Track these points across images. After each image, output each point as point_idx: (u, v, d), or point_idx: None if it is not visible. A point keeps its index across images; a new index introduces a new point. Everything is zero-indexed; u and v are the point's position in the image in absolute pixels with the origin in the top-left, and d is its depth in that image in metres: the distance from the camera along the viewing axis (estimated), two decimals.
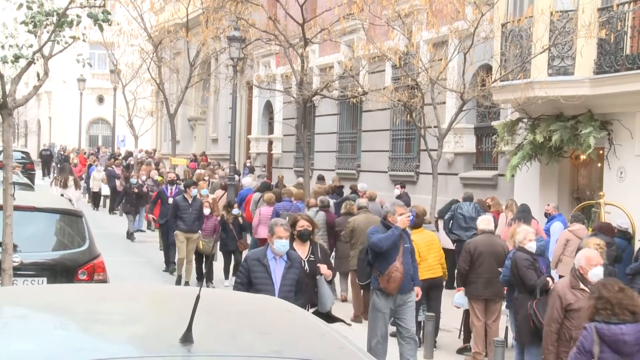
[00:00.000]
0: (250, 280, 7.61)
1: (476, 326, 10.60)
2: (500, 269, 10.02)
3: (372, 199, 15.74)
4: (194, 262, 15.28)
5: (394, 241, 9.17)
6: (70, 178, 19.68)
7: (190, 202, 15.09)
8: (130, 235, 21.26)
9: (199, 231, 15.09)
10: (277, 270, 7.70)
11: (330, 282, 8.92)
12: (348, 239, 13.15)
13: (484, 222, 10.97)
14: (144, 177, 22.52)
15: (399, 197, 16.85)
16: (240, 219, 15.12)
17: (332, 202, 15.94)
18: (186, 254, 15.03)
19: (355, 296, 13.03)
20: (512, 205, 14.11)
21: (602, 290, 5.87)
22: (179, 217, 15.01)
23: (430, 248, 10.96)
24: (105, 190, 28.36)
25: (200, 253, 15.12)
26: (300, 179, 21.89)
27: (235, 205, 15.41)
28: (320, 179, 21.01)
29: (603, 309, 5.76)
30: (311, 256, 8.46)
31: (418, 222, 11.20)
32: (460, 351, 11.04)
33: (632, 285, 11.82)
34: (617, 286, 5.86)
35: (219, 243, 15.25)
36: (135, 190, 21.38)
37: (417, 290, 9.65)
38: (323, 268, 8.47)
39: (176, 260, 15.55)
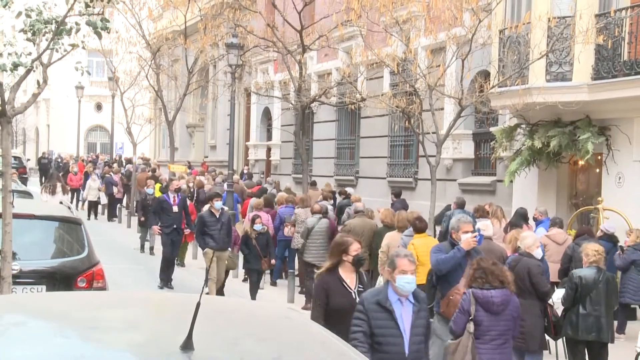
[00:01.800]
0: (371, 329, 6.08)
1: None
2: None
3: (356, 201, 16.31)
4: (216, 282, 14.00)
5: (456, 263, 8.22)
6: (58, 185, 20.69)
7: (217, 216, 13.88)
8: (150, 250, 20.18)
9: (229, 249, 14.19)
10: (405, 315, 6.16)
11: None
12: (251, 226, 14.01)
13: (482, 227, 10.96)
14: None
15: (392, 205, 16.83)
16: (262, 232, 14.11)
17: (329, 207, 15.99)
18: (218, 273, 13.89)
19: None
20: (497, 212, 14.12)
21: (480, 262, 7.53)
22: (206, 233, 13.80)
23: (429, 254, 10.93)
24: (103, 199, 28.22)
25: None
26: (288, 184, 21.99)
27: (259, 220, 14.31)
28: (313, 184, 21.03)
29: (479, 277, 7.36)
30: (360, 286, 6.96)
31: (422, 226, 11.48)
32: None
33: (625, 281, 11.90)
34: (492, 261, 7.58)
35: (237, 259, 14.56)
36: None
37: None
38: None
39: (206, 281, 14.44)
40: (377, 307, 6.11)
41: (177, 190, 17.42)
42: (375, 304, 6.12)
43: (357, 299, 6.63)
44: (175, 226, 16.21)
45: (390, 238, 12.24)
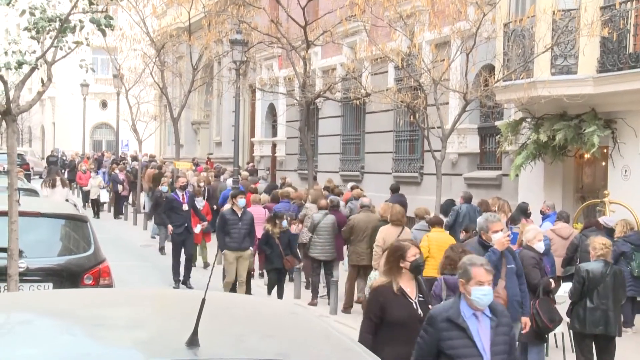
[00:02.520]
0: (439, 349, 5.43)
1: None
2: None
3: (356, 198, 16.21)
4: (245, 283, 13.72)
5: (493, 266, 7.48)
6: (58, 179, 21.15)
7: (239, 215, 13.42)
8: (160, 250, 19.72)
9: (250, 248, 13.70)
10: (482, 332, 5.49)
11: None
12: (347, 236, 13.60)
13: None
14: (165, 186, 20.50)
15: (391, 200, 16.80)
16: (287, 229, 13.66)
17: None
18: (238, 275, 13.43)
19: (348, 288, 13.46)
20: (504, 206, 14.17)
21: (448, 252, 7.99)
22: (226, 232, 13.31)
23: (442, 249, 10.99)
24: (104, 197, 28.02)
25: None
26: (289, 179, 22.01)
27: (286, 217, 13.83)
28: (313, 179, 21.03)
29: (449, 264, 7.73)
30: (420, 296, 6.45)
31: (438, 220, 11.79)
32: None
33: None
34: (461, 249, 7.82)
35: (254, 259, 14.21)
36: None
37: (525, 320, 8.11)
38: None
39: (222, 284, 13.69)
40: (449, 325, 5.42)
41: (184, 188, 16.83)
42: (446, 321, 5.43)
43: (419, 310, 6.28)
44: (186, 225, 15.66)
45: (386, 232, 12.24)
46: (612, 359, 9.21)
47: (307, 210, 15.29)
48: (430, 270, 10.86)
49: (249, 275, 14.04)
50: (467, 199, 15.04)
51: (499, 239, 7.79)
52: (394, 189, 18.28)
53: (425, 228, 12.27)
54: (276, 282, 13.52)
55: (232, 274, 13.29)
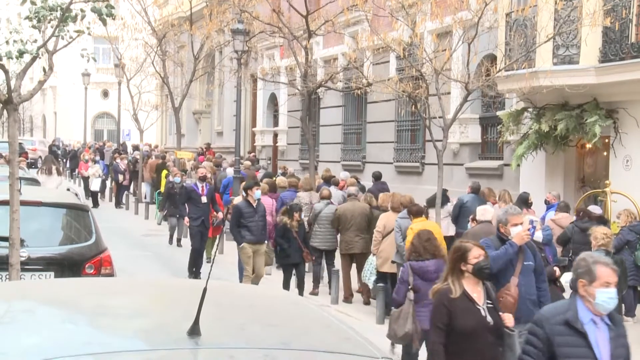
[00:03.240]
0: (550, 356, 4.82)
1: None
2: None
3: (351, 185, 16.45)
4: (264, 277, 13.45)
5: (508, 260, 7.33)
6: (53, 167, 22.10)
7: (255, 206, 13.02)
8: (178, 242, 19.23)
9: (266, 241, 13.40)
10: (601, 341, 4.83)
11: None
12: (335, 226, 13.79)
13: (480, 212, 11.10)
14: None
15: (370, 190, 16.87)
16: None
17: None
18: (256, 268, 13.04)
19: (345, 278, 13.56)
20: (504, 195, 14.24)
21: (414, 239, 8.46)
22: (243, 225, 12.83)
23: None
24: (95, 186, 27.76)
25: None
26: (291, 169, 22.04)
27: (297, 216, 13.24)
28: (314, 169, 21.05)
29: (414, 251, 8.26)
30: (488, 302, 6.01)
31: (418, 210, 11.72)
32: None
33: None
34: (426, 237, 8.35)
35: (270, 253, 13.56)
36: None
37: None
38: (508, 318, 6.10)
39: (241, 280, 13.27)
40: (566, 329, 4.79)
41: (203, 179, 16.25)
42: (563, 324, 4.79)
43: (488, 318, 5.84)
44: (203, 218, 15.33)
45: (386, 218, 12.49)
46: None
47: (299, 199, 15.37)
48: None
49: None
50: (475, 190, 15.02)
51: (518, 232, 7.40)
52: (376, 177, 18.57)
53: (407, 216, 12.24)
54: (290, 277, 13.10)
55: (251, 267, 12.85)
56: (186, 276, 15.02)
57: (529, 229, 7.56)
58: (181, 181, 19.15)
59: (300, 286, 13.13)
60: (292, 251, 12.78)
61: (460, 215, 14.35)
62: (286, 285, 12.92)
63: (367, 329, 10.62)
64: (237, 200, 14.04)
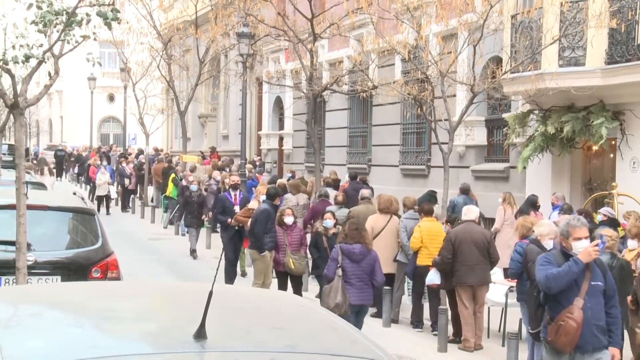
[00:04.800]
0: None
1: (464, 314, 10.83)
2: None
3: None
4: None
5: (572, 279, 6.55)
6: (45, 168, 23.85)
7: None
8: (192, 253, 18.10)
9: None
10: None
11: None
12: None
13: (467, 212, 11.34)
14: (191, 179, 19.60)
15: (345, 190, 16.96)
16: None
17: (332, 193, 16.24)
18: (266, 277, 12.65)
19: None
20: (509, 198, 14.44)
21: (344, 226, 10.08)
22: (266, 231, 12.39)
23: (434, 238, 11.45)
24: (113, 194, 27.76)
25: (290, 275, 12.42)
26: (299, 173, 22.10)
27: (328, 216, 12.44)
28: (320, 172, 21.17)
29: (344, 236, 9.74)
30: None
31: (430, 209, 12.01)
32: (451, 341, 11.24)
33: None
34: (354, 227, 9.77)
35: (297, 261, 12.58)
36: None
37: (614, 352, 6.77)
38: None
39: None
40: None
41: (236, 187, 15.76)
42: None
43: None
44: (237, 227, 14.42)
45: (374, 220, 12.53)
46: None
47: (286, 201, 15.45)
48: (424, 259, 11.46)
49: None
50: (464, 191, 15.14)
51: (585, 249, 6.56)
52: (352, 177, 18.91)
53: (414, 217, 12.41)
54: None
55: (270, 274, 12.50)
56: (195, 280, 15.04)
57: (597, 245, 6.62)
58: (198, 189, 18.62)
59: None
60: (321, 262, 11.95)
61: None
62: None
63: (373, 332, 10.62)
64: (253, 204, 13.73)
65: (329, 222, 12.21)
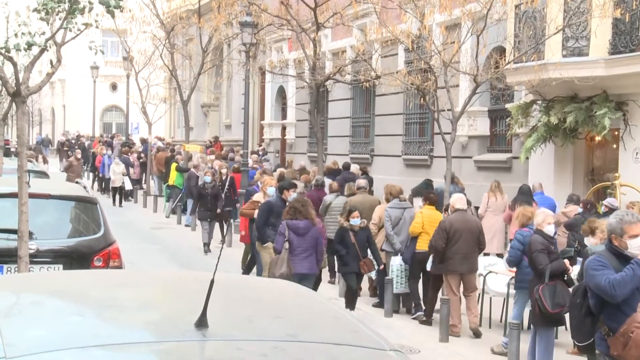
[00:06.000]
0: None
1: (452, 300, 11.01)
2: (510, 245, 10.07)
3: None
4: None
5: (637, 284, 5.89)
6: (40, 156, 24.81)
7: None
8: (205, 246, 17.38)
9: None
10: None
11: None
12: (346, 217, 13.53)
13: (459, 200, 11.46)
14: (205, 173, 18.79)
15: (337, 180, 17.02)
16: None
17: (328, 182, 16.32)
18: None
19: None
20: (496, 187, 14.83)
21: (293, 203, 10.98)
22: (271, 224, 12.05)
23: (434, 225, 11.53)
24: (128, 184, 27.31)
25: None
26: (302, 163, 22.08)
27: (356, 214, 11.73)
28: (302, 170, 21.23)
29: (289, 212, 10.70)
30: None
31: (435, 199, 12.29)
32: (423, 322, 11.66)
33: None
34: (301, 204, 10.80)
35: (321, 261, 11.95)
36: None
37: None
38: None
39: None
40: None
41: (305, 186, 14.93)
42: None
43: None
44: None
45: (381, 210, 12.76)
46: None
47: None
48: (424, 244, 11.66)
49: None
50: (450, 179, 15.27)
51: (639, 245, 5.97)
52: (345, 167, 19.12)
53: (398, 206, 12.57)
54: (353, 287, 11.77)
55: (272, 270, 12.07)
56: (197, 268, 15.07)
57: None
58: (212, 180, 17.93)
59: (348, 299, 11.77)
60: (350, 259, 11.55)
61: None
62: (347, 298, 11.77)
63: (375, 323, 10.67)
64: (258, 197, 13.57)
65: (356, 220, 11.65)
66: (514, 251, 9.96)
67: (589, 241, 10.12)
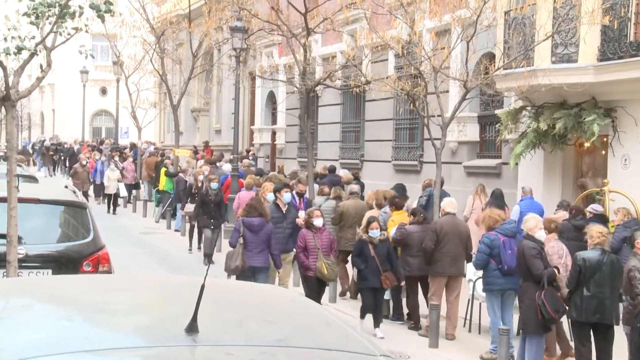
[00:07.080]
0: None
1: (437, 303, 11.11)
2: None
3: (347, 183, 17.71)
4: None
5: None
6: (30, 159, 25.17)
7: (284, 211, 12.08)
8: (209, 257, 16.09)
9: (294, 250, 11.81)
10: None
11: None
12: (337, 222, 13.86)
13: (449, 204, 11.68)
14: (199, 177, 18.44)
15: (322, 182, 17.17)
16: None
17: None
18: (280, 279, 12.10)
19: (343, 272, 13.68)
20: (480, 190, 15.00)
21: (250, 202, 11.73)
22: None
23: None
24: (123, 192, 26.89)
25: (321, 281, 11.36)
26: (297, 169, 22.05)
27: (375, 225, 11.10)
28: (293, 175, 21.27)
29: (246, 210, 11.36)
30: None
31: (400, 204, 12.64)
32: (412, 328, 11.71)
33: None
34: (256, 200, 11.78)
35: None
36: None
37: None
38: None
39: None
40: None
41: (301, 195, 14.50)
42: None
43: None
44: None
45: (370, 215, 12.54)
46: (610, 347, 9.22)
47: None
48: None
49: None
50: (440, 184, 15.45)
51: None
52: (330, 170, 19.36)
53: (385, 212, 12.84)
54: (369, 303, 11.10)
55: (274, 279, 11.88)
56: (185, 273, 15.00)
57: None
58: (217, 188, 17.16)
59: (376, 317, 11.14)
60: (369, 273, 10.89)
61: (428, 207, 14.84)
62: (363, 314, 11.16)
63: (365, 328, 10.67)
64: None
65: (376, 232, 10.99)
66: (480, 255, 10.13)
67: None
